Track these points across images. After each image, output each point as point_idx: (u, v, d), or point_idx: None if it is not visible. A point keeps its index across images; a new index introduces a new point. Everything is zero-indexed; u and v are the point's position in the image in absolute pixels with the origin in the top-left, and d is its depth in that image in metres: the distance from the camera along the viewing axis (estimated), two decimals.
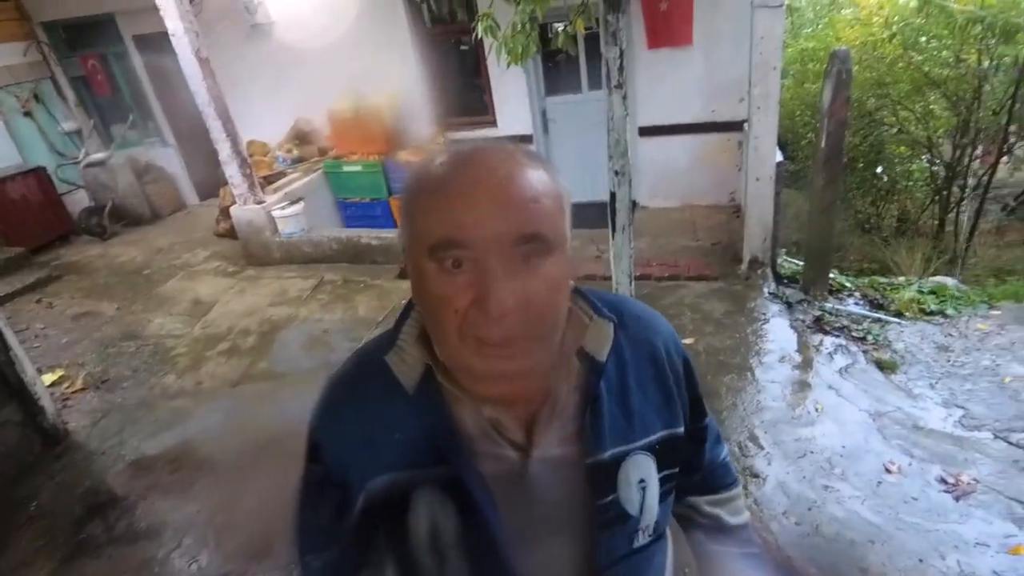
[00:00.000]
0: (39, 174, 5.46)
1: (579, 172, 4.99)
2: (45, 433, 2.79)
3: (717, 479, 0.78)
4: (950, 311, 3.43)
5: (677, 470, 0.68)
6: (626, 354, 0.62)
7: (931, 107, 5.74)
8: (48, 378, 3.26)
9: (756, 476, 2.23)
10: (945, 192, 6.00)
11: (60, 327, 4.05)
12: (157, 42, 5.00)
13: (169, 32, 3.87)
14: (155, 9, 3.79)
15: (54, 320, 4.16)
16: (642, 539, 0.64)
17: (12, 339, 2.68)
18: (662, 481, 0.65)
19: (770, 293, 3.46)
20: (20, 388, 2.69)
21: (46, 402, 2.81)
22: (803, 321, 3.27)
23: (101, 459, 2.71)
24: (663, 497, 0.66)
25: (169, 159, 6.17)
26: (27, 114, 5.61)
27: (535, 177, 0.49)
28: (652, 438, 0.63)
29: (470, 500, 0.56)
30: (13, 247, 4.84)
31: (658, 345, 0.64)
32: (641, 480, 0.62)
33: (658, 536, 0.67)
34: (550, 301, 0.50)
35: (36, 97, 5.68)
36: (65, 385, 3.32)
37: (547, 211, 0.49)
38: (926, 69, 5.47)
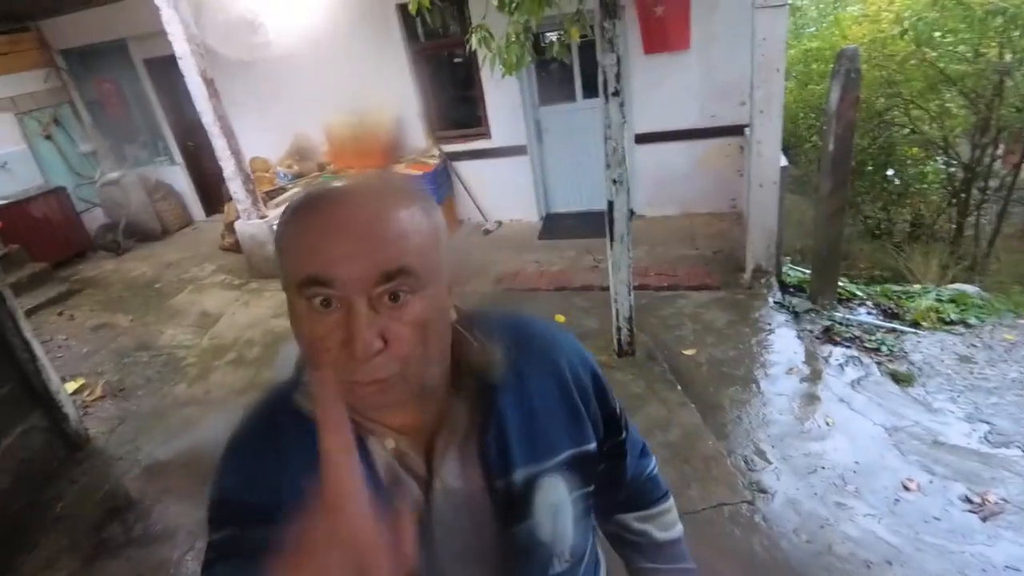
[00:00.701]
0: (60, 194, 5.62)
1: (574, 181, 4.96)
2: (68, 439, 2.90)
3: (645, 494, 0.77)
4: (972, 320, 3.24)
5: (591, 489, 0.65)
6: (526, 376, 0.60)
7: (947, 105, 5.49)
8: (70, 387, 3.35)
9: (764, 492, 2.15)
10: (963, 195, 5.74)
11: (80, 338, 4.16)
12: (165, 65, 5.11)
13: (176, 55, 3.97)
14: (164, 33, 3.90)
15: (74, 332, 4.28)
16: (558, 566, 0.62)
17: (38, 350, 2.79)
18: (575, 502, 0.63)
19: (775, 302, 3.32)
20: (46, 396, 2.81)
21: (69, 409, 2.91)
22: (811, 331, 3.12)
23: (119, 464, 2.81)
24: (579, 519, 0.63)
25: (177, 177, 6.31)
26: (48, 137, 5.80)
27: (403, 213, 0.48)
28: (560, 458, 0.61)
29: None
30: (37, 263, 4.98)
31: (560, 363, 0.63)
32: (552, 504, 0.60)
33: (578, 560, 0.64)
34: (421, 339, 0.48)
35: (56, 121, 5.86)
36: (86, 393, 3.43)
37: (416, 246, 0.48)
38: (941, 65, 5.25)
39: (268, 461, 0.55)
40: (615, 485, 0.72)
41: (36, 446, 2.75)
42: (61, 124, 5.89)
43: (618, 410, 0.69)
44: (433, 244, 0.50)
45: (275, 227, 0.53)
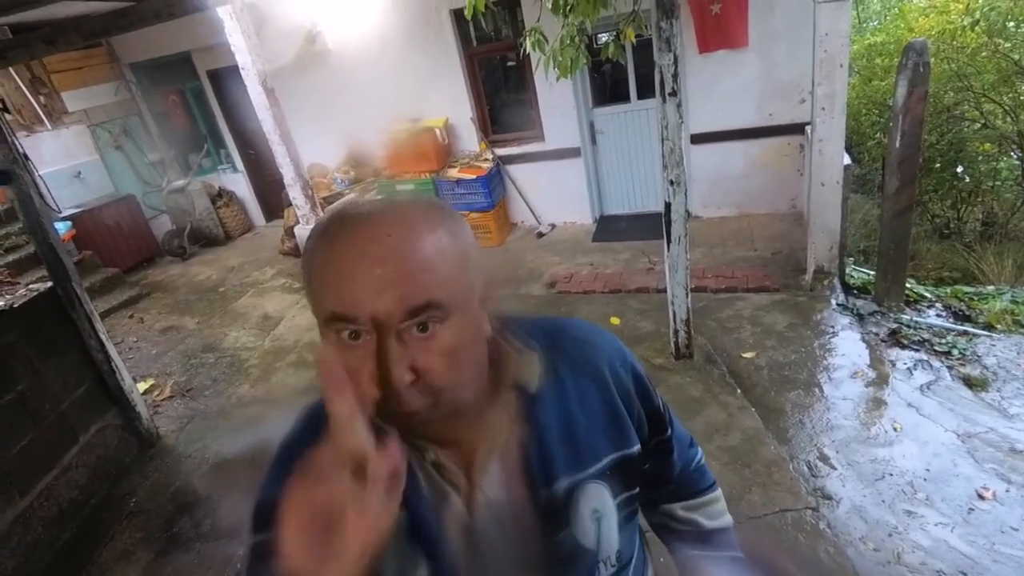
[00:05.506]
0: (129, 201, 6.05)
1: (628, 183, 5.00)
2: (141, 436, 3.11)
3: (691, 484, 0.77)
4: None
5: (635, 492, 0.66)
6: (566, 380, 0.60)
7: (1022, 98, 5.26)
8: (141, 387, 3.60)
9: (829, 498, 2.16)
10: None
11: (150, 340, 4.48)
12: (227, 76, 5.42)
13: (239, 66, 4.18)
14: (226, 45, 4.11)
15: (144, 334, 4.61)
16: (604, 571, 0.62)
17: (112, 351, 2.99)
18: (620, 507, 0.63)
19: (838, 304, 3.31)
20: (120, 395, 3.02)
21: (141, 408, 3.12)
22: (877, 334, 3.10)
23: (188, 461, 3.00)
24: (624, 523, 0.64)
25: (239, 184, 6.67)
26: (118, 147, 6.25)
27: (428, 241, 0.47)
28: (602, 464, 0.61)
29: (434, 544, 0.55)
30: (109, 268, 5.39)
31: (600, 365, 0.63)
32: (595, 510, 0.60)
33: (625, 564, 0.65)
34: (454, 366, 0.49)
35: (125, 132, 6.30)
36: (156, 393, 3.68)
37: (442, 276, 0.47)
38: (1016, 57, 5.05)
39: None
40: (663, 481, 0.73)
41: (111, 443, 2.95)
42: (130, 135, 6.33)
43: (662, 407, 0.69)
44: (461, 268, 0.49)
45: (303, 253, 0.52)
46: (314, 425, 0.58)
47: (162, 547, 2.44)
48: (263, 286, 5.10)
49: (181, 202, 6.10)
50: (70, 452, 2.74)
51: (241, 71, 4.21)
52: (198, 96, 6.32)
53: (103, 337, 2.94)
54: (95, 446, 2.86)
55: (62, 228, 4.97)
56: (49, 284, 2.83)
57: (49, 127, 5.67)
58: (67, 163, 5.77)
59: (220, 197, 6.44)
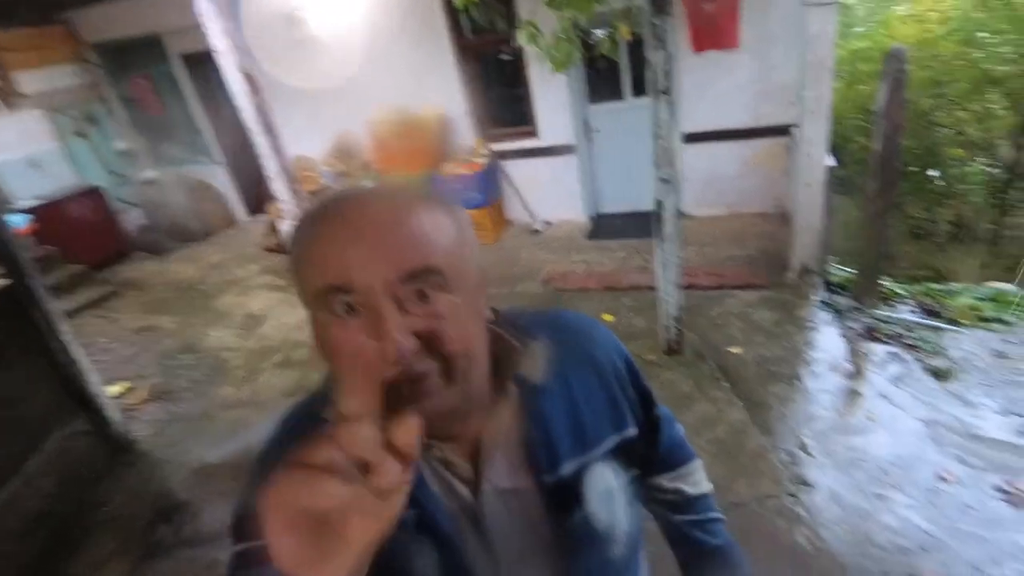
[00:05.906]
0: (95, 194, 5.84)
1: (622, 181, 5.10)
2: (113, 442, 3.04)
3: (675, 457, 0.83)
4: (1009, 318, 3.49)
5: (637, 473, 0.72)
6: (567, 370, 0.65)
7: (990, 106, 5.67)
8: (114, 390, 3.55)
9: (807, 485, 2.37)
10: (1004, 196, 5.93)
11: (123, 341, 4.40)
12: (204, 60, 5.34)
13: (214, 49, 4.03)
14: (200, 27, 3.96)
15: (117, 334, 4.51)
16: (615, 552, 0.67)
17: (78, 353, 2.90)
18: (624, 487, 0.68)
19: (820, 301, 3.55)
20: (88, 400, 2.93)
21: (112, 413, 3.05)
22: (854, 330, 3.36)
23: (167, 467, 2.97)
24: (630, 503, 0.69)
25: (218, 176, 6.50)
26: (81, 135, 6.01)
27: (424, 214, 0.49)
28: (607, 446, 0.66)
29: (445, 539, 0.58)
30: (75, 264, 5.22)
31: (596, 353, 0.68)
32: (604, 492, 0.65)
33: (632, 543, 0.70)
34: (455, 336, 0.49)
35: (90, 118, 6.07)
36: (130, 397, 3.63)
37: (440, 246, 0.49)
38: (986, 66, 5.41)
39: None
40: (652, 456, 0.77)
41: (80, 449, 2.87)
42: (95, 121, 6.08)
43: (648, 388, 0.75)
44: (459, 245, 0.51)
45: (289, 247, 0.53)
46: (293, 434, 0.60)
47: (142, 554, 2.44)
48: (246, 283, 5.07)
49: (155, 195, 5.97)
50: (33, 460, 2.69)
51: (218, 55, 4.05)
52: (171, 81, 6.11)
53: (67, 338, 2.83)
54: (61, 453, 2.80)
55: (20, 221, 4.84)
56: (5, 281, 2.72)
57: (2, 111, 5.45)
58: (23, 151, 5.57)
59: (198, 190, 6.29)
